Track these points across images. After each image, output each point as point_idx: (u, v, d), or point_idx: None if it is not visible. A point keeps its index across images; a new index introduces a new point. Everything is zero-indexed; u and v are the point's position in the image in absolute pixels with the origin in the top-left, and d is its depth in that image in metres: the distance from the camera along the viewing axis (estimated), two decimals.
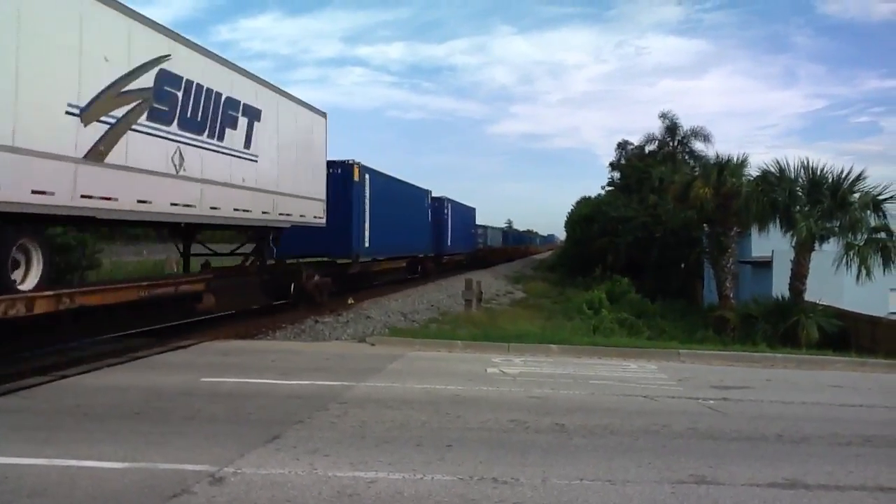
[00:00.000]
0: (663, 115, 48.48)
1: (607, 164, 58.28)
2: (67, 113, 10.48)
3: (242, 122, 16.16)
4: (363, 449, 7.21)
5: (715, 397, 10.47)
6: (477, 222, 59.47)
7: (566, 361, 13.67)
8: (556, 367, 12.86)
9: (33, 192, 9.89)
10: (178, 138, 13.41)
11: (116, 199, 11.70)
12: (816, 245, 21.14)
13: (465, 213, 51.62)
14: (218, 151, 14.99)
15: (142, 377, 11.02)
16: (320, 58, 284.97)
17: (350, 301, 25.65)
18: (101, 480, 6.08)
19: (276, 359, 12.97)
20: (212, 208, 14.84)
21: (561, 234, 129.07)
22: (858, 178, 21.10)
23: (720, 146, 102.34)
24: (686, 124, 48.93)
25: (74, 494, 5.75)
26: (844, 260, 20.37)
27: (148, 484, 6.01)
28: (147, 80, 12.35)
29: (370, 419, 8.51)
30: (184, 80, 13.56)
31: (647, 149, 50.64)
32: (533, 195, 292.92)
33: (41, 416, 8.42)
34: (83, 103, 10.77)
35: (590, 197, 61.44)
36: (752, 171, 24.70)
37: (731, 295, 26.18)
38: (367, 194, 26.38)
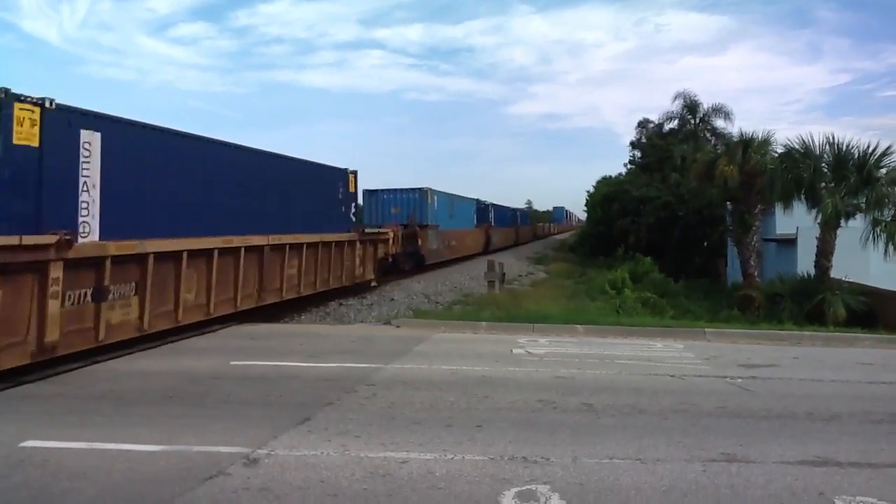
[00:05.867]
0: (679, 95, 47.94)
1: (628, 143, 57.84)
2: None
3: None
4: (393, 430, 7.29)
5: (743, 376, 10.45)
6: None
7: (592, 341, 13.67)
8: (581, 348, 12.87)
9: None
10: None
11: None
12: (842, 221, 20.88)
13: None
14: None
15: (173, 361, 11.18)
16: (338, 41, 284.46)
17: (374, 283, 25.80)
18: (137, 463, 6.19)
19: (303, 342, 13.09)
20: None
21: (576, 212, 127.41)
22: (885, 153, 20.76)
23: (742, 123, 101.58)
24: (708, 102, 48.42)
25: (112, 477, 5.86)
26: (871, 236, 20.10)
27: (183, 466, 6.12)
28: None
29: (399, 400, 8.59)
30: None
31: (668, 127, 50.14)
32: (553, 176, 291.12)
33: (77, 400, 8.57)
34: None
35: (611, 176, 61.10)
36: (777, 148, 24.43)
37: (756, 273, 25.94)
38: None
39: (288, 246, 17.51)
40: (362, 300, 22.01)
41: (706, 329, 14.94)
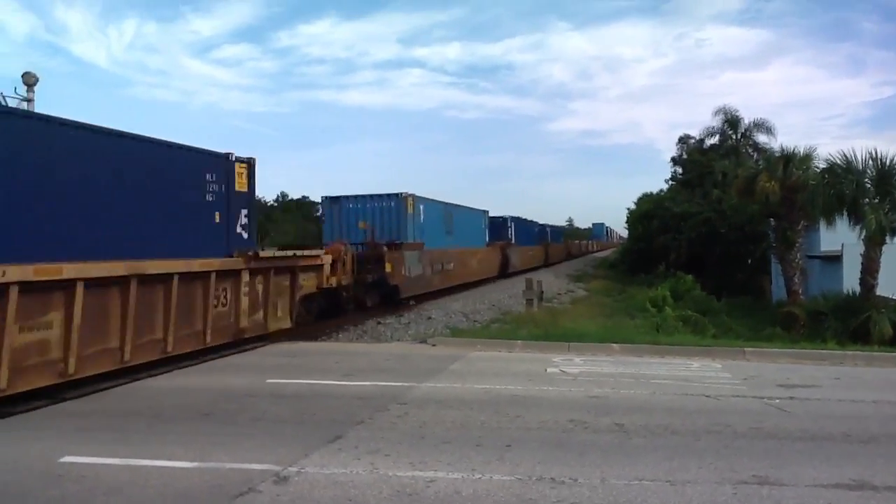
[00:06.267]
0: (719, 110, 47.40)
1: (669, 159, 57.31)
2: None
3: None
4: (423, 449, 7.34)
5: (780, 396, 10.27)
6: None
7: (627, 361, 13.56)
8: (617, 367, 12.77)
9: None
10: None
11: None
12: (888, 238, 20.46)
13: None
14: None
15: (210, 379, 11.39)
16: (378, 60, 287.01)
17: (411, 302, 25.90)
18: (171, 479, 6.34)
19: (339, 360, 13.22)
20: None
21: (618, 229, 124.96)
22: None
23: (784, 138, 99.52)
24: (749, 116, 47.78)
25: (146, 493, 6.01)
26: None
27: (216, 483, 6.24)
28: None
29: (430, 419, 8.63)
30: None
31: (708, 142, 49.57)
32: (594, 193, 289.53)
33: (115, 417, 8.79)
34: None
35: (651, 193, 60.55)
36: (819, 163, 24.04)
37: (800, 291, 25.49)
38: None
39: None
40: (399, 318, 22.11)
41: (745, 348, 14.70)
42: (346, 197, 26.79)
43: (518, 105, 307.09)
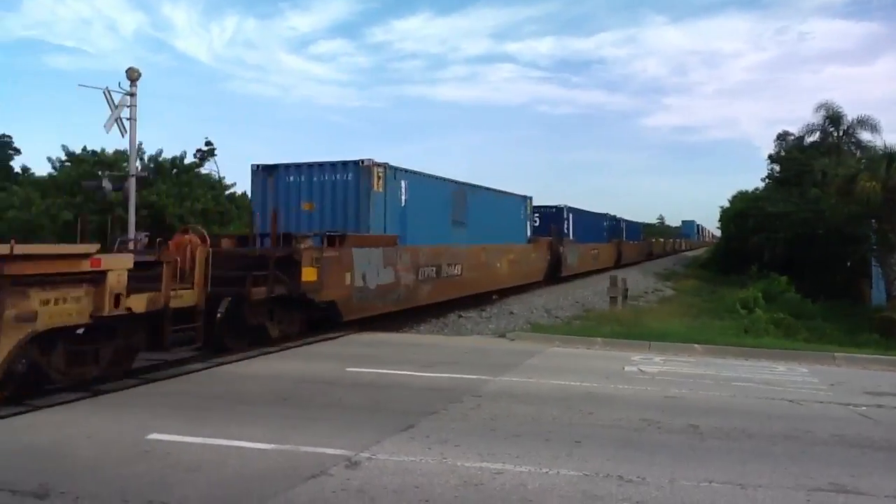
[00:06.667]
0: (821, 106, 45.48)
1: (766, 156, 55.41)
2: None
3: None
4: (492, 441, 7.41)
5: (867, 403, 9.90)
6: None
7: (709, 362, 13.29)
8: (697, 368, 12.54)
9: None
10: None
11: None
12: None
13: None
14: None
15: (291, 366, 11.76)
16: (469, 55, 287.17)
17: (494, 297, 25.98)
18: (248, 460, 6.61)
19: (417, 352, 13.43)
20: None
21: (711, 228, 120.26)
22: None
23: (891, 137, 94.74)
24: (853, 113, 45.76)
25: (224, 472, 6.29)
26: None
27: (290, 464, 6.48)
28: None
29: (502, 413, 8.70)
30: None
31: (808, 140, 47.69)
32: (687, 190, 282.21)
33: (199, 398, 9.21)
34: None
35: (746, 191, 58.73)
36: None
37: None
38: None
39: None
40: (481, 313, 22.23)
41: (835, 353, 14.18)
42: (286, 166, 18.79)
43: (610, 100, 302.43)
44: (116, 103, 19.66)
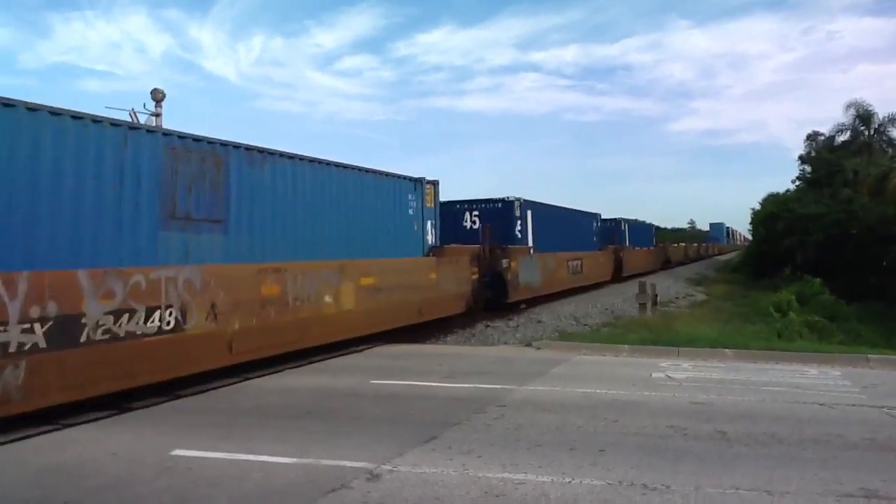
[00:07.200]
0: (851, 105, 44.88)
1: (796, 157, 54.70)
2: None
3: None
4: (515, 451, 7.34)
5: None
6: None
7: (739, 367, 13.07)
8: (726, 373, 12.33)
9: None
10: None
11: None
12: None
13: None
14: None
15: (316, 379, 11.78)
16: (494, 66, 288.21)
17: (523, 306, 25.84)
18: (269, 474, 6.62)
19: (442, 362, 13.38)
20: None
21: (743, 231, 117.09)
22: None
23: None
24: (884, 111, 45.12)
25: (245, 486, 6.30)
26: None
27: (311, 478, 6.48)
28: None
29: (526, 422, 8.62)
30: None
31: (839, 139, 47.12)
32: (718, 194, 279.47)
33: (223, 414, 9.24)
34: None
35: (777, 193, 58.01)
36: None
37: None
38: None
39: None
40: (508, 322, 22.11)
41: (869, 355, 13.88)
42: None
43: (636, 106, 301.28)
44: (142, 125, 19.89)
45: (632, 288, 29.84)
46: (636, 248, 48.01)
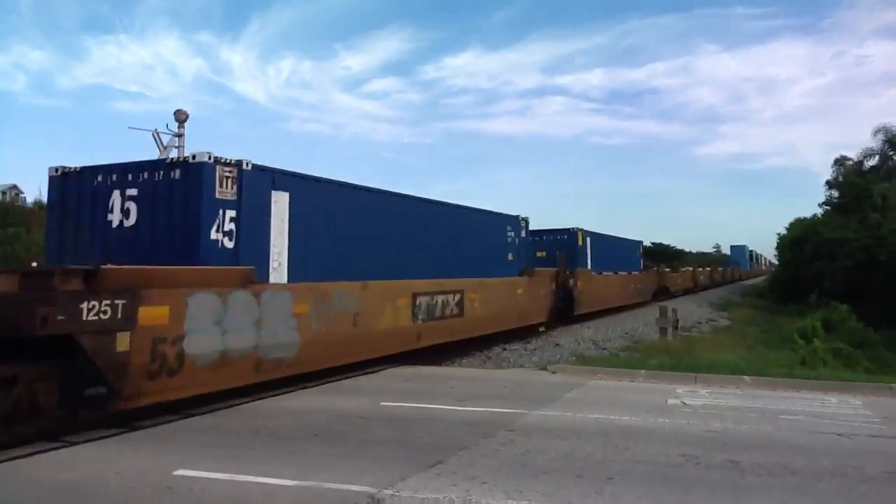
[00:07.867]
0: (879, 130, 44.35)
1: (824, 181, 54.07)
2: None
3: None
4: (521, 478, 7.22)
5: None
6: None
7: (758, 394, 12.82)
8: (744, 400, 12.10)
9: None
10: None
11: None
12: None
13: None
14: None
15: (329, 400, 11.72)
16: (521, 89, 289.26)
17: (541, 329, 25.68)
18: (270, 496, 6.56)
19: (455, 385, 13.26)
20: None
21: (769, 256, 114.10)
22: None
23: None
24: None
25: None
26: None
27: (312, 501, 6.42)
28: None
29: (535, 448, 8.49)
30: None
31: (868, 164, 46.52)
32: (745, 218, 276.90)
33: (232, 434, 9.19)
34: None
35: (804, 218, 57.40)
36: None
37: None
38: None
39: None
40: (526, 345, 21.95)
41: (892, 384, 13.55)
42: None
43: (664, 130, 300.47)
44: (165, 145, 20.11)
45: (652, 312, 29.72)
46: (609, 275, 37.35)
